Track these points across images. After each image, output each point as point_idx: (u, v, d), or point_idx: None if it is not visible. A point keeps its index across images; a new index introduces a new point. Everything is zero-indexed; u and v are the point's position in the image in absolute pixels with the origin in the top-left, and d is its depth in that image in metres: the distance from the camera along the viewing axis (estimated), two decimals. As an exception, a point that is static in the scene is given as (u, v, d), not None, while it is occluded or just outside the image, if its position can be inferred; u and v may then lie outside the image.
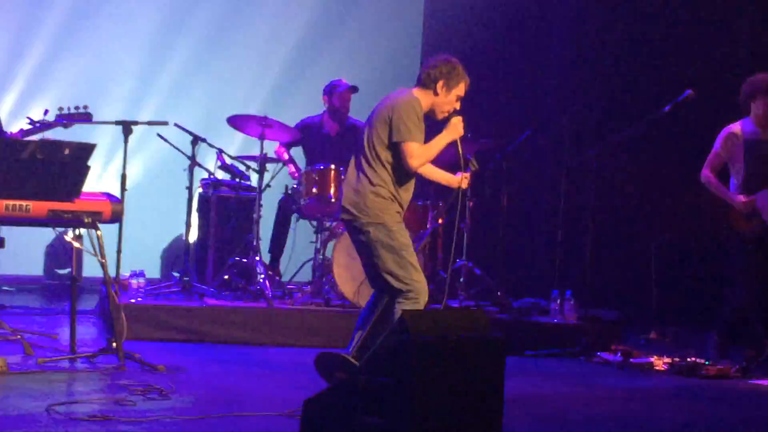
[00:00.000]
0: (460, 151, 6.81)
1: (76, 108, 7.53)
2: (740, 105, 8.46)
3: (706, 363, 8.19)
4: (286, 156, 10.15)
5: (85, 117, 7.57)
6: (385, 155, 6.64)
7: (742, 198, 8.32)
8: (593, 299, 9.36)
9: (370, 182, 6.64)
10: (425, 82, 6.76)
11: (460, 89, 6.80)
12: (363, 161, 6.70)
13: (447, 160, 6.99)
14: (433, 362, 4.88)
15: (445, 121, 6.81)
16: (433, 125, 6.85)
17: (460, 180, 6.88)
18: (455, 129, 6.76)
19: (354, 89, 10.11)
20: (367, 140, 6.69)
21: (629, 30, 11.47)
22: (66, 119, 7.53)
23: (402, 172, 6.68)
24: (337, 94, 10.09)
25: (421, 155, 6.61)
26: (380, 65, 12.56)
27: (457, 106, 6.83)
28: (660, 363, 8.39)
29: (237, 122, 9.70)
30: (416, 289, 6.62)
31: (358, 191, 6.67)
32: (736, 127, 8.49)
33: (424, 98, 6.73)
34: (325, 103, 10.21)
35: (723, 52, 10.89)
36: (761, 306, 8.31)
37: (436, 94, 6.74)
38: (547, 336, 9.17)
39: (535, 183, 11.55)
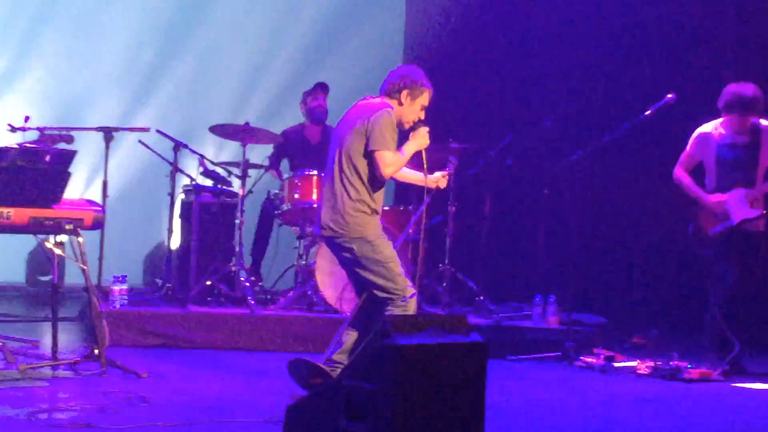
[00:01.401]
0: (425, 162, 6.89)
1: (59, 130, 7.50)
2: (718, 106, 8.49)
3: (689, 366, 8.21)
4: (278, 174, 10.13)
5: (65, 138, 7.54)
6: (362, 166, 6.65)
7: (713, 198, 8.37)
8: (576, 303, 9.36)
9: (349, 197, 6.65)
10: (390, 92, 6.82)
11: (424, 99, 6.85)
12: (340, 175, 6.69)
13: (430, 165, 7.01)
14: (415, 367, 4.87)
15: (410, 131, 6.86)
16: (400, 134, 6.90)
17: (436, 180, 7.00)
18: (422, 139, 6.83)
19: (322, 86, 10.18)
20: (343, 153, 6.69)
21: (612, 34, 11.48)
22: (47, 137, 7.50)
23: (375, 181, 6.71)
24: (311, 97, 10.20)
25: (393, 163, 6.64)
26: (363, 72, 12.55)
27: (422, 115, 6.87)
28: (643, 367, 8.40)
29: (218, 131, 9.70)
30: (405, 296, 6.65)
31: (336, 208, 6.66)
32: (707, 128, 8.57)
33: (397, 109, 6.79)
34: (302, 110, 10.27)
35: (706, 55, 10.91)
36: (729, 307, 8.35)
37: (400, 104, 6.79)
38: (530, 340, 9.18)
39: (517, 187, 11.55)
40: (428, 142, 6.85)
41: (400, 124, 6.81)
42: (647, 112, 8.81)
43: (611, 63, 11.48)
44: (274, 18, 12.70)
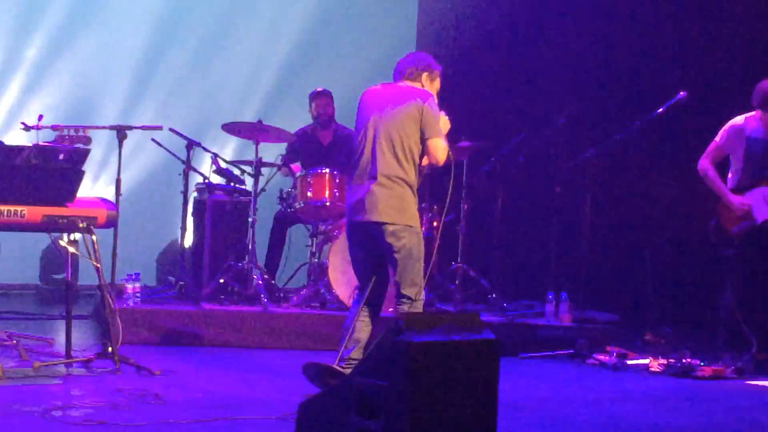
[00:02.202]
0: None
1: (75, 131, 7.50)
2: (752, 102, 8.41)
3: (702, 364, 8.20)
4: (291, 172, 10.13)
5: (85, 141, 7.53)
6: (417, 152, 6.67)
7: (737, 199, 8.31)
8: (588, 301, 9.37)
9: (407, 183, 6.64)
10: (410, 74, 6.86)
11: (438, 83, 6.94)
12: (393, 159, 6.63)
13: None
14: (427, 365, 4.88)
15: None
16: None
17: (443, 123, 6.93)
18: (446, 123, 6.90)
19: (324, 92, 10.19)
20: (399, 137, 6.63)
21: (624, 32, 11.47)
22: (65, 140, 7.50)
23: (419, 167, 6.73)
24: (314, 104, 10.20)
25: (446, 150, 6.72)
26: (374, 70, 12.53)
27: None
28: (655, 364, 8.40)
29: (231, 128, 9.72)
30: (421, 299, 6.70)
31: (396, 193, 6.61)
32: (740, 120, 8.46)
33: None
34: (310, 113, 10.29)
35: (718, 52, 10.89)
36: (748, 305, 8.31)
37: (422, 85, 6.84)
38: (543, 338, 9.17)
39: (530, 185, 11.54)
40: (449, 125, 6.91)
41: None
42: (659, 110, 8.80)
43: (624, 60, 11.46)
44: (286, 17, 12.70)
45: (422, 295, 6.71)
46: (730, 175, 8.52)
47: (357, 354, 6.65)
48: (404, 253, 6.60)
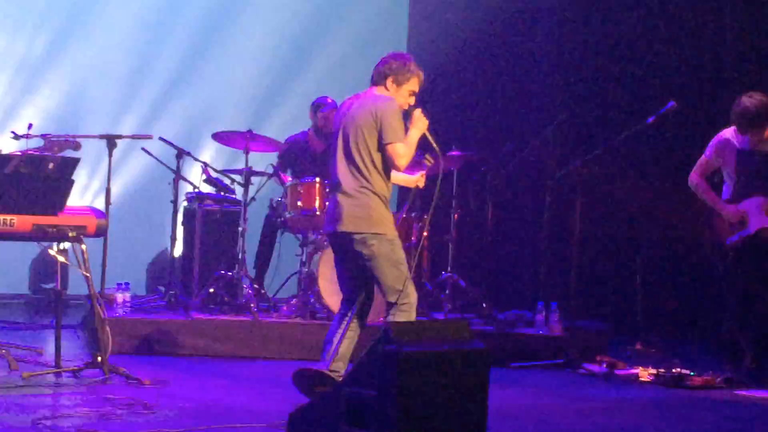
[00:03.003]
0: (432, 140, 6.86)
1: (64, 138, 7.49)
2: (731, 120, 8.37)
3: (692, 374, 8.20)
4: (282, 181, 10.11)
5: (72, 143, 7.53)
6: (378, 159, 6.65)
7: (731, 207, 8.28)
8: (578, 311, 9.37)
9: (371, 191, 6.65)
10: (377, 79, 6.83)
11: (412, 84, 6.82)
12: (354, 169, 6.67)
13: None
14: (417, 374, 4.88)
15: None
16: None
17: (416, 179, 7.06)
18: (421, 122, 6.78)
19: (335, 106, 10.15)
20: (356, 148, 6.67)
21: (614, 42, 11.49)
22: (54, 145, 7.50)
23: (388, 173, 6.72)
24: (321, 114, 10.09)
25: (406, 154, 6.64)
26: (364, 79, 12.53)
27: (411, 101, 6.84)
28: (645, 374, 8.39)
29: (221, 137, 9.72)
30: (410, 302, 6.66)
31: (360, 202, 6.64)
32: (729, 133, 8.37)
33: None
34: (311, 118, 10.23)
35: (707, 62, 10.92)
36: (744, 316, 8.31)
37: (387, 90, 6.78)
38: (533, 348, 9.16)
39: (519, 195, 11.56)
40: (427, 122, 6.79)
41: None
42: (649, 120, 8.80)
43: (613, 70, 11.47)
44: (278, 29, 12.69)
45: (409, 299, 6.64)
46: (725, 187, 8.45)
47: (336, 366, 6.68)
48: (376, 260, 6.62)
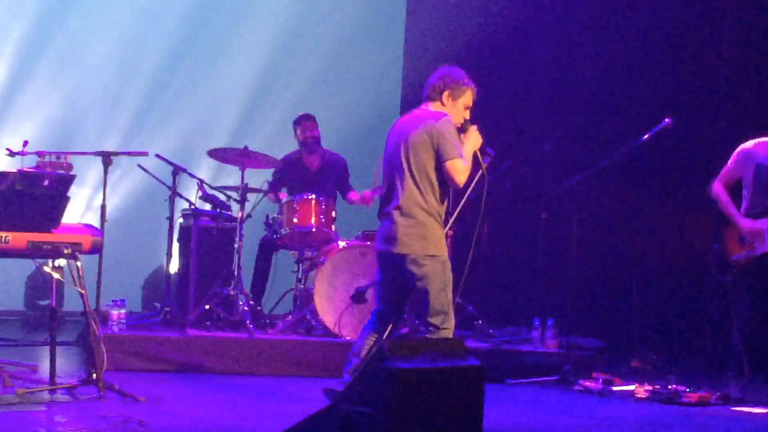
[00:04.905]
0: (481, 160, 6.79)
1: (57, 157, 7.47)
2: None
3: (687, 390, 8.20)
4: (278, 199, 10.12)
5: (66, 167, 7.51)
6: (434, 179, 6.61)
7: (748, 223, 8.22)
8: (574, 327, 9.36)
9: (428, 211, 6.60)
10: (432, 96, 6.76)
11: (467, 98, 6.77)
12: (411, 188, 6.61)
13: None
14: (412, 391, 4.88)
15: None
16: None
17: (471, 136, 6.79)
18: (475, 138, 6.75)
19: (308, 117, 10.19)
20: (413, 166, 6.61)
21: (610, 58, 11.51)
22: (47, 165, 7.48)
23: (445, 191, 6.67)
24: (298, 128, 10.18)
25: (464, 170, 6.58)
26: (360, 95, 12.61)
27: (467, 115, 6.79)
28: (641, 390, 8.38)
29: (217, 154, 9.74)
30: (450, 327, 6.64)
31: (416, 222, 6.59)
32: (750, 145, 8.33)
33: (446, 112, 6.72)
34: (296, 139, 10.29)
35: (704, 78, 10.93)
36: (749, 332, 8.28)
37: (443, 105, 6.73)
38: (529, 364, 9.16)
39: (516, 211, 11.56)
40: (481, 139, 6.76)
41: None
42: (645, 137, 8.80)
43: (610, 86, 11.49)
44: (273, 44, 12.71)
45: (449, 323, 6.63)
46: (744, 200, 8.39)
47: None
48: (426, 281, 6.57)
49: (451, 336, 6.60)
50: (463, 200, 6.93)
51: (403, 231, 6.59)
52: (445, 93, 6.72)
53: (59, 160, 7.26)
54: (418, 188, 6.60)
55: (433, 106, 6.75)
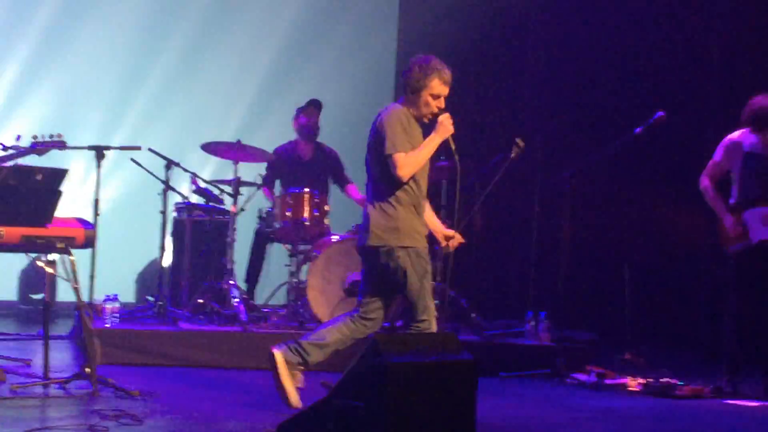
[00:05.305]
0: (453, 149, 6.73)
1: (51, 136, 7.49)
2: (741, 118, 8.29)
3: (680, 383, 8.22)
4: (271, 196, 10.13)
5: (59, 144, 7.53)
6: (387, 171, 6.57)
7: (731, 219, 8.23)
8: (567, 320, 9.37)
9: (399, 202, 6.57)
10: (404, 88, 6.74)
11: (435, 88, 6.69)
12: (377, 181, 6.64)
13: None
14: (405, 385, 4.89)
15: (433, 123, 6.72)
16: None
17: (439, 126, 6.73)
18: (444, 128, 6.68)
19: (315, 103, 10.20)
20: (373, 160, 6.65)
21: (603, 52, 11.52)
22: (40, 146, 7.49)
23: (413, 181, 6.61)
24: (302, 113, 10.18)
25: (407, 164, 6.50)
26: (353, 91, 12.61)
27: (441, 104, 6.72)
28: (634, 384, 8.40)
29: (210, 148, 9.74)
30: (431, 316, 6.59)
31: (386, 213, 6.58)
32: (736, 135, 8.32)
33: (409, 105, 6.68)
34: (294, 126, 10.29)
35: (696, 72, 10.94)
36: (743, 324, 8.28)
37: (408, 99, 6.69)
38: (522, 357, 9.17)
39: (508, 205, 11.57)
40: (452, 129, 6.69)
41: (420, 119, 6.71)
42: (638, 130, 8.80)
43: (602, 80, 11.51)
44: (267, 39, 12.72)
45: (428, 314, 6.57)
46: (734, 191, 8.39)
47: (309, 347, 6.71)
48: (401, 273, 6.55)
49: (432, 326, 6.59)
50: (456, 198, 6.91)
51: (375, 224, 6.59)
52: (407, 87, 6.69)
53: (53, 138, 7.29)
54: (383, 181, 6.60)
55: (406, 99, 6.72)
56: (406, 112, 6.64)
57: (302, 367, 6.76)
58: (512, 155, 7.32)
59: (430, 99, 6.68)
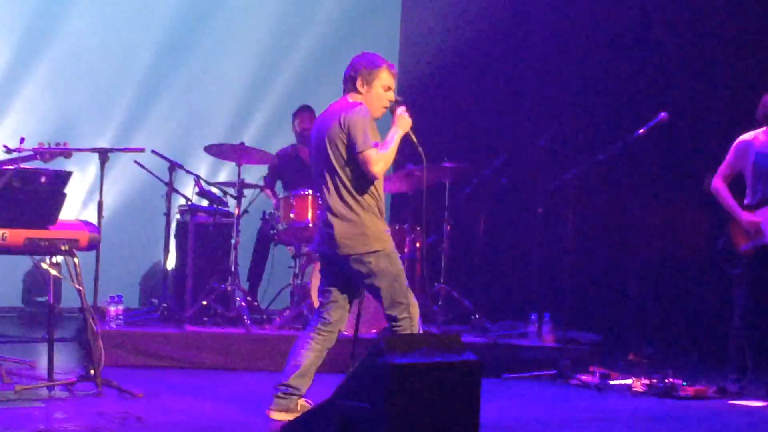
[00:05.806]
0: (415, 141, 6.55)
1: (57, 144, 7.47)
2: (756, 116, 8.29)
3: (684, 384, 8.21)
4: (273, 195, 10.14)
5: (64, 151, 7.51)
6: (357, 172, 6.35)
7: (748, 216, 8.23)
8: (571, 321, 9.38)
9: (361, 206, 6.37)
10: (348, 87, 6.58)
11: (384, 79, 6.55)
12: (339, 187, 6.38)
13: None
14: (409, 387, 4.88)
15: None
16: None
17: (399, 119, 6.52)
18: (404, 120, 6.49)
19: (308, 109, 10.25)
20: (335, 162, 6.38)
21: (606, 53, 11.51)
22: (44, 150, 7.48)
23: (372, 183, 6.42)
24: (296, 119, 10.23)
25: (380, 159, 6.30)
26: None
27: (391, 97, 6.57)
28: (638, 384, 8.40)
29: (214, 150, 9.74)
30: (412, 314, 6.43)
31: (351, 220, 6.36)
32: (748, 137, 8.33)
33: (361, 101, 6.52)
34: (293, 131, 10.33)
35: (699, 73, 10.93)
36: (751, 327, 8.27)
37: (359, 93, 6.52)
38: (526, 359, 9.17)
39: (512, 206, 11.57)
40: (410, 121, 6.49)
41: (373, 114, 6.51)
42: (640, 131, 8.80)
43: (605, 82, 11.50)
44: (269, 39, 12.74)
45: (410, 312, 6.40)
46: (747, 192, 8.38)
47: (295, 381, 6.46)
48: (375, 278, 6.37)
49: (414, 325, 6.42)
50: (424, 206, 6.85)
51: (340, 233, 6.37)
52: (358, 81, 6.52)
53: (57, 144, 7.29)
54: (344, 185, 6.38)
55: (351, 97, 6.53)
56: (366, 109, 6.43)
57: (300, 399, 6.57)
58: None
59: (381, 91, 6.55)
